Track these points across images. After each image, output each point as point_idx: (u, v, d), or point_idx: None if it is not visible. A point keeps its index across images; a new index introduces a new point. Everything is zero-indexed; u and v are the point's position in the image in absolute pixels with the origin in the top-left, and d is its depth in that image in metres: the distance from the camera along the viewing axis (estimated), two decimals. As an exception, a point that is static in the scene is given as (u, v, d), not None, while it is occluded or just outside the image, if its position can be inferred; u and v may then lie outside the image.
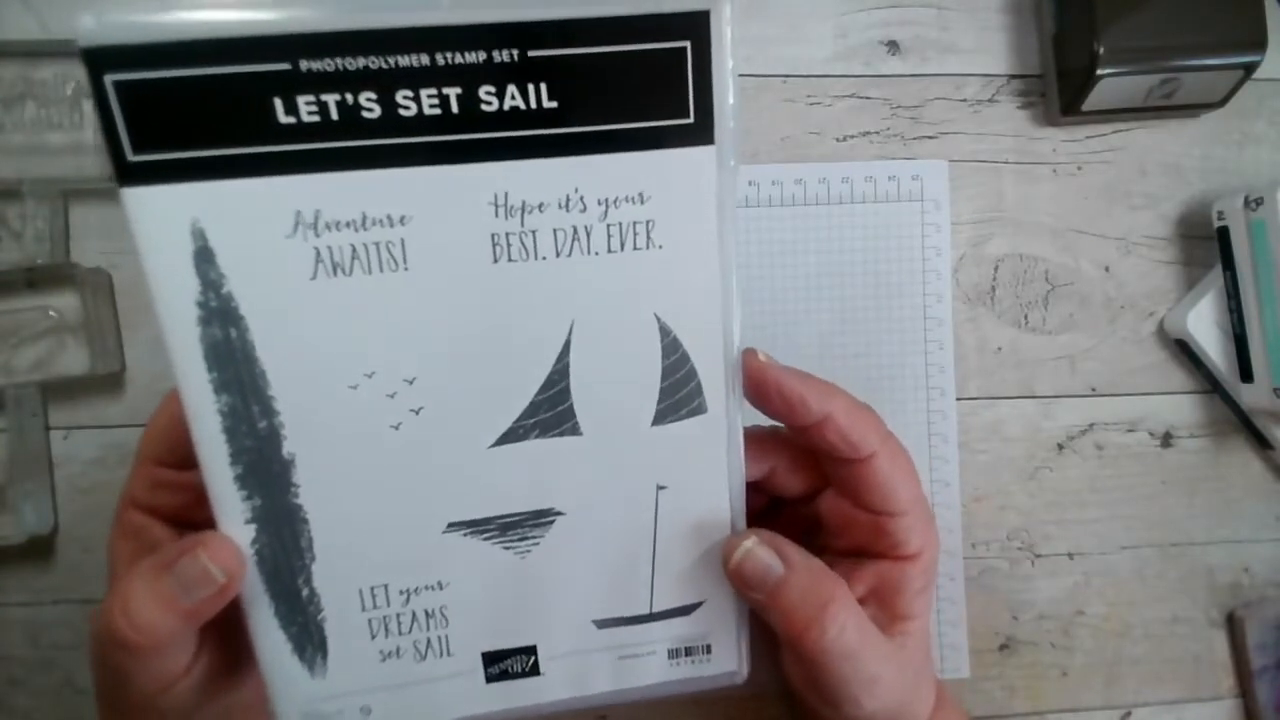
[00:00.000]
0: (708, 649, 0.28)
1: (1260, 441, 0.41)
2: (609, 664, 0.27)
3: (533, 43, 0.21)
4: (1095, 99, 0.38)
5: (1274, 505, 0.42)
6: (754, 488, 0.28)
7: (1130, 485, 0.41)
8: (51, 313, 0.36)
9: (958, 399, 0.39)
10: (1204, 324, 0.40)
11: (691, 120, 0.22)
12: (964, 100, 0.40)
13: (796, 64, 0.39)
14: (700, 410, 0.25)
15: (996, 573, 0.40)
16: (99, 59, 0.20)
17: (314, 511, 0.24)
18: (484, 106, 0.21)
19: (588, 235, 0.23)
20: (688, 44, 0.21)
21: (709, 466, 0.26)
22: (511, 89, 0.21)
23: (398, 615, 0.25)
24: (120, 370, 0.36)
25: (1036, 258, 0.40)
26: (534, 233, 0.23)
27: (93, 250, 0.36)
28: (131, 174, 0.21)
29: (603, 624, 0.27)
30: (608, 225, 0.23)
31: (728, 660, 0.28)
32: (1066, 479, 0.40)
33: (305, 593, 0.24)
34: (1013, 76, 0.40)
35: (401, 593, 0.25)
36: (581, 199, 0.23)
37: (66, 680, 0.36)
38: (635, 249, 0.23)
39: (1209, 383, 0.41)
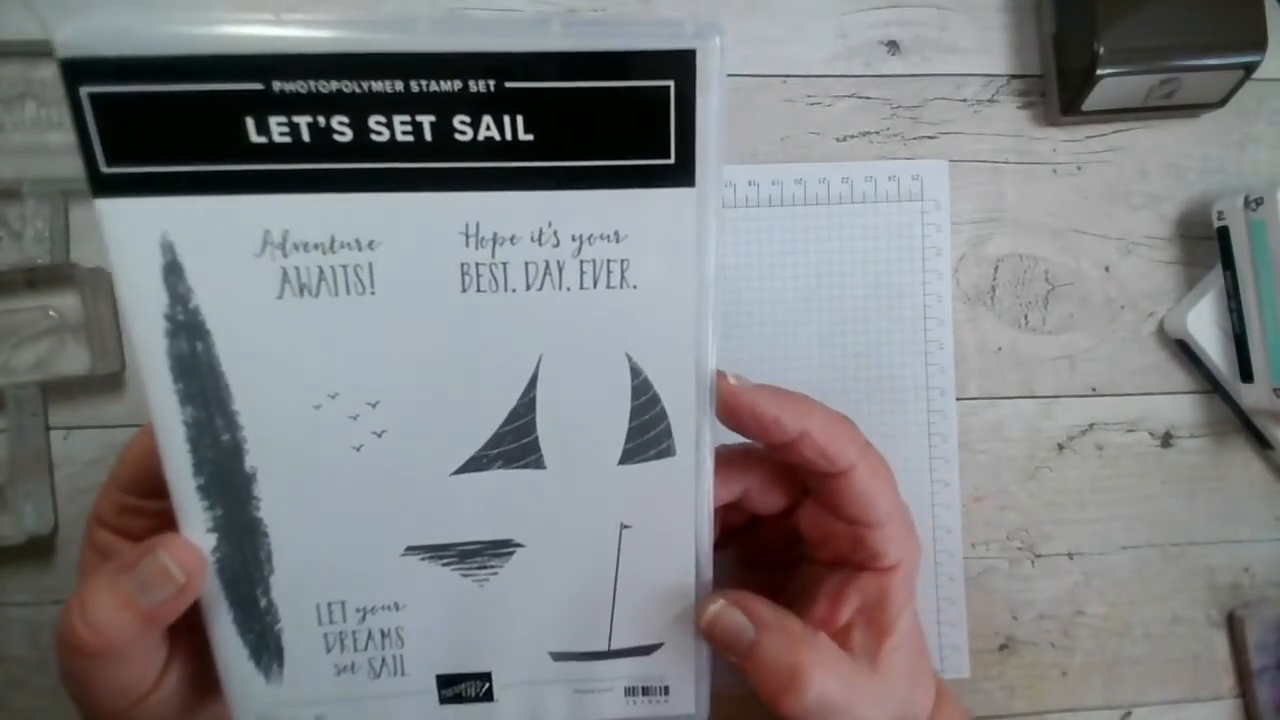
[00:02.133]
0: (665, 690, 0.27)
1: (1260, 441, 0.41)
2: (564, 696, 0.27)
3: (510, 74, 0.21)
4: (1095, 99, 0.38)
5: (1274, 505, 0.42)
6: (731, 505, 0.28)
7: (1130, 485, 0.41)
8: (51, 313, 0.36)
9: (958, 399, 0.39)
10: (1204, 324, 0.40)
11: (672, 161, 0.22)
12: (964, 100, 0.40)
13: (796, 64, 0.39)
14: (669, 453, 0.25)
15: (996, 573, 0.40)
16: (76, 70, 0.20)
17: (274, 525, 0.24)
18: (458, 136, 0.21)
19: (560, 270, 0.23)
20: (671, 83, 0.21)
21: (675, 509, 0.25)
22: (487, 119, 0.21)
23: (354, 632, 0.25)
24: (120, 370, 0.36)
25: (1036, 258, 0.40)
26: (504, 265, 0.22)
27: (93, 250, 0.36)
28: (105, 185, 0.21)
29: (559, 657, 0.27)
30: (580, 261, 0.23)
31: (685, 703, 0.28)
32: (1066, 479, 0.40)
33: (263, 603, 0.25)
34: (1013, 76, 0.40)
35: (358, 610, 0.25)
36: (555, 233, 0.22)
37: (66, 680, 0.36)
38: (608, 287, 0.23)
39: (1209, 383, 0.41)
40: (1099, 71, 0.37)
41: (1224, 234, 0.39)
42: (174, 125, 0.20)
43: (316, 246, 0.22)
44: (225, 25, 0.20)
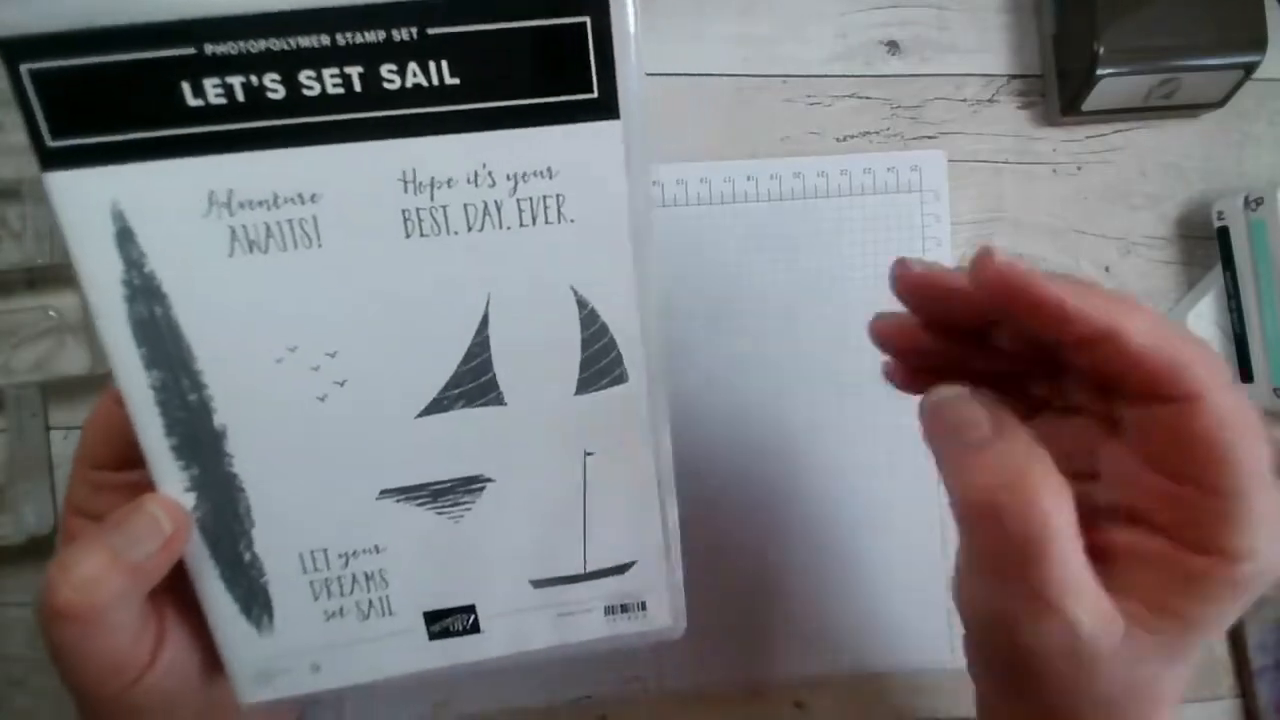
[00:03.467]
0: (643, 606, 0.28)
1: (1260, 441, 0.41)
2: (548, 621, 0.28)
3: (431, 20, 0.21)
4: (1095, 99, 0.38)
5: (1274, 505, 0.42)
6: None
7: (1130, 485, 0.41)
8: (51, 313, 0.36)
9: (958, 399, 0.39)
10: (1204, 324, 0.40)
11: (595, 95, 0.22)
12: (964, 100, 0.40)
13: (796, 64, 0.39)
14: (622, 379, 0.25)
15: (996, 573, 0.40)
16: (14, 49, 0.20)
17: (249, 480, 0.24)
18: (386, 84, 0.22)
19: (498, 210, 0.23)
20: (587, 19, 0.22)
21: (633, 433, 0.26)
22: (413, 66, 0.21)
23: (338, 577, 0.26)
24: (120, 370, 0.36)
25: (1036, 258, 0.40)
26: (444, 208, 0.23)
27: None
28: (52, 159, 0.21)
29: (539, 583, 0.27)
30: (518, 200, 0.23)
31: (662, 617, 0.29)
32: (1066, 479, 0.40)
33: (247, 557, 0.25)
34: (1013, 76, 0.40)
35: (340, 556, 0.26)
36: (490, 174, 0.23)
37: (66, 680, 0.36)
38: (547, 223, 0.24)
39: (1209, 383, 0.41)
40: (1099, 71, 0.37)
41: (1224, 234, 0.39)
42: (113, 94, 0.21)
43: (261, 203, 0.22)
44: None
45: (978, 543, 0.21)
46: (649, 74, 0.38)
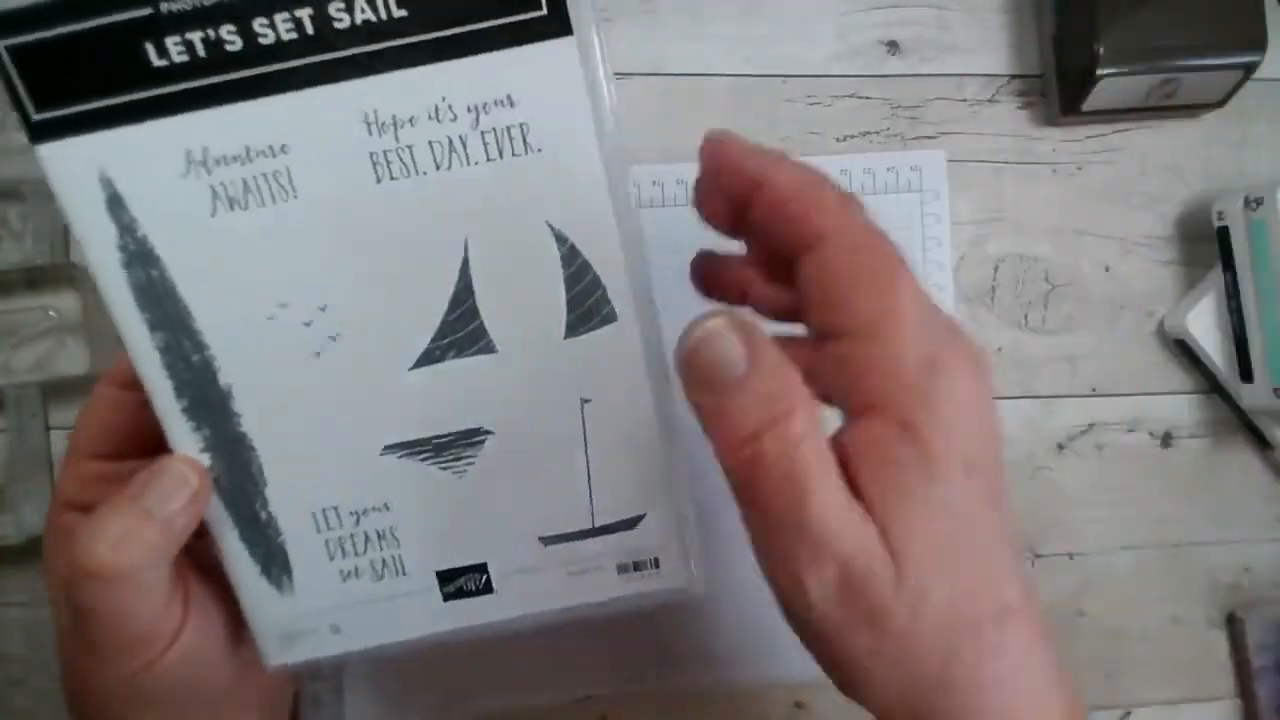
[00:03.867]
0: (655, 563, 0.27)
1: (1260, 441, 0.41)
2: (560, 580, 0.27)
3: None
4: (1095, 99, 0.38)
5: (1274, 505, 0.42)
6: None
7: (1130, 485, 0.41)
8: (51, 313, 0.36)
9: (958, 399, 0.39)
10: (1204, 324, 0.40)
11: (544, 11, 0.22)
12: (964, 100, 0.40)
13: (796, 64, 0.39)
14: (611, 318, 0.24)
15: (996, 573, 0.40)
16: None
17: (258, 439, 0.25)
18: (336, 24, 0.22)
19: (464, 145, 0.23)
20: None
21: (629, 375, 0.25)
22: (360, 3, 0.22)
23: (351, 536, 0.26)
24: (120, 370, 0.36)
25: (1036, 258, 0.40)
26: (410, 148, 0.23)
27: (93, 250, 0.36)
28: (39, 131, 0.22)
29: (548, 540, 0.27)
30: (481, 133, 0.23)
31: (676, 574, 0.27)
32: (1066, 479, 0.40)
33: (263, 516, 0.25)
34: (1013, 76, 0.40)
35: (351, 514, 0.26)
36: (450, 107, 0.22)
37: (66, 680, 0.36)
38: (514, 155, 0.23)
39: (1209, 383, 0.41)
40: (1099, 71, 0.37)
41: (1224, 234, 0.39)
42: (85, 62, 0.22)
43: (235, 159, 0.23)
44: None
45: (747, 494, 0.20)
46: (650, 74, 0.38)
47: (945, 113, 0.40)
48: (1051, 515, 0.40)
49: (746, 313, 0.23)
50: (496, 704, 0.37)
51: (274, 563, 0.26)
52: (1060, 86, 0.39)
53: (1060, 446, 0.40)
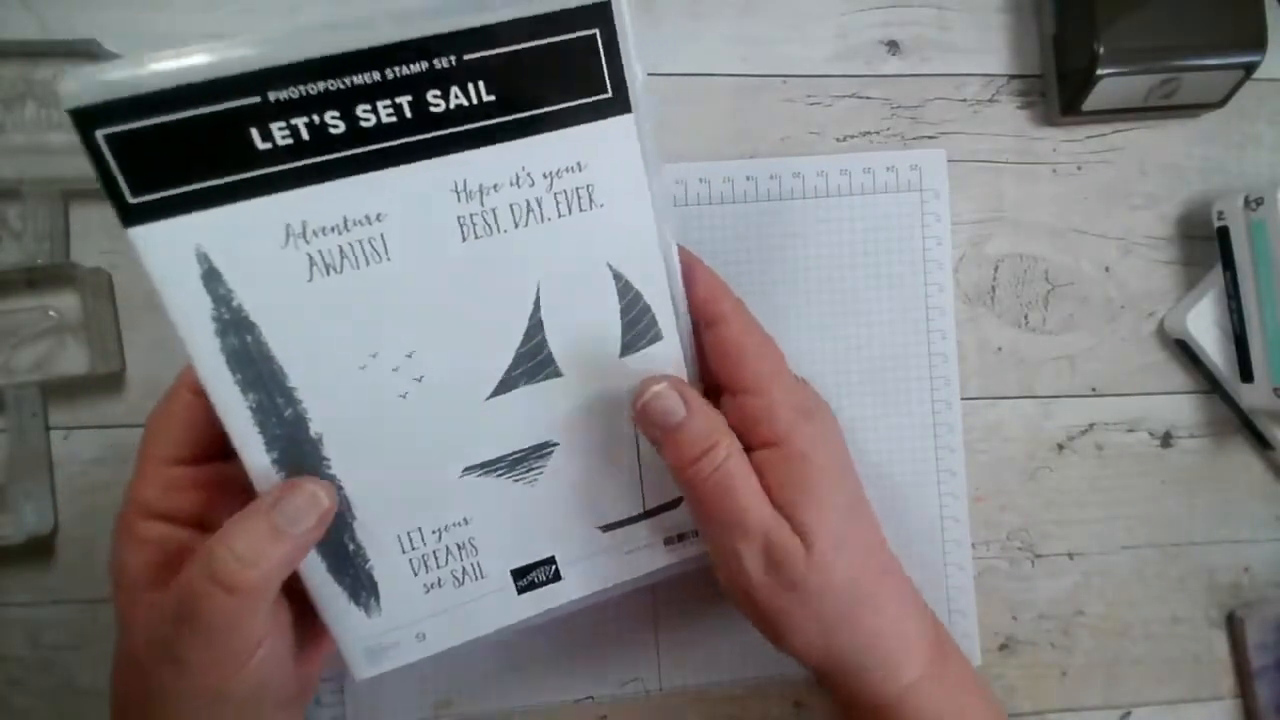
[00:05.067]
0: (694, 533, 0.32)
1: (1260, 441, 0.41)
2: (618, 560, 0.31)
3: (466, 48, 0.24)
4: (1095, 99, 0.38)
5: (1274, 505, 0.42)
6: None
7: (1130, 485, 0.41)
8: (51, 313, 0.36)
9: (961, 399, 0.39)
10: (1204, 324, 0.40)
11: (610, 95, 0.26)
12: (964, 100, 0.40)
13: (796, 64, 0.39)
14: (658, 337, 0.29)
15: (996, 573, 0.40)
16: (87, 118, 0.22)
17: (346, 478, 0.27)
18: (433, 108, 0.24)
19: (539, 205, 0.26)
20: (596, 31, 0.25)
21: None
22: (455, 90, 0.24)
23: (434, 552, 0.29)
24: (120, 370, 0.36)
25: (1036, 258, 0.40)
26: (494, 210, 0.26)
27: (93, 250, 0.36)
28: (134, 215, 0.23)
29: (607, 528, 0.31)
30: (555, 194, 0.26)
31: None
32: (1066, 479, 0.40)
33: (351, 547, 0.28)
34: (1013, 76, 0.40)
35: (434, 532, 0.29)
36: (529, 175, 0.26)
37: (66, 680, 0.36)
38: (581, 210, 0.27)
39: (1209, 383, 0.41)
40: (1099, 71, 0.37)
41: (1224, 234, 0.39)
42: (187, 148, 0.23)
43: (333, 229, 0.24)
44: (212, 53, 0.22)
45: (695, 498, 0.28)
46: (650, 74, 0.38)
47: (945, 113, 0.40)
48: (1051, 515, 0.40)
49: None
50: (497, 704, 0.37)
51: (362, 588, 0.28)
52: (1060, 86, 0.39)
53: (1060, 446, 0.40)
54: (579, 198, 0.26)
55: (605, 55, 0.25)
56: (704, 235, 0.38)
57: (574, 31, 0.24)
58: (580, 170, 0.26)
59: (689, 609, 0.38)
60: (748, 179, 0.38)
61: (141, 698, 0.26)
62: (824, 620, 0.28)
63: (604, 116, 0.26)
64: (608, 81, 0.25)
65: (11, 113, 0.35)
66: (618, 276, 0.28)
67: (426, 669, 0.36)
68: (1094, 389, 0.41)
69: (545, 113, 0.25)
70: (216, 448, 0.26)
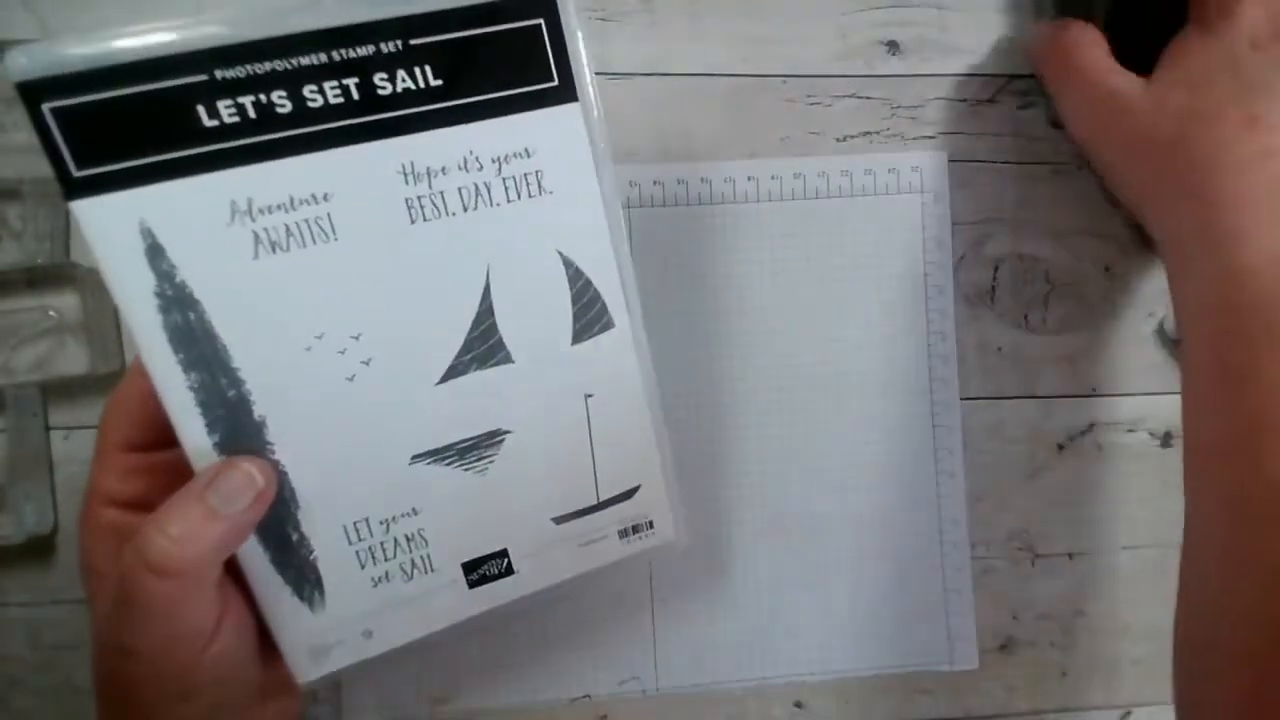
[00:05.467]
0: (650, 524, 0.31)
1: (1260, 441, 0.41)
2: (571, 552, 0.30)
3: (413, 33, 0.24)
4: (1095, 99, 0.38)
5: (1274, 505, 0.42)
6: None
7: (1130, 485, 0.41)
8: (51, 313, 0.36)
9: (960, 399, 0.39)
10: (1204, 324, 0.39)
11: (556, 83, 0.26)
12: (964, 100, 0.40)
13: (796, 64, 0.39)
14: (609, 326, 0.29)
15: (996, 573, 0.40)
16: (34, 91, 0.22)
17: (291, 464, 0.26)
18: (380, 91, 0.24)
19: (488, 190, 0.26)
20: (541, 20, 0.25)
21: (624, 370, 0.30)
22: (401, 73, 0.24)
23: (381, 544, 0.28)
24: (120, 370, 0.36)
25: (1036, 258, 0.40)
26: (442, 193, 0.26)
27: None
28: (78, 188, 0.23)
29: (560, 519, 0.30)
30: (504, 179, 0.26)
31: (667, 531, 0.32)
32: (1066, 479, 0.40)
33: (295, 537, 0.27)
34: (1013, 76, 0.40)
35: (381, 523, 0.28)
36: (477, 159, 0.26)
37: (66, 680, 0.36)
38: (530, 197, 0.27)
39: (1209, 383, 0.41)
40: (1099, 71, 0.37)
41: (1224, 234, 0.39)
42: (133, 123, 0.23)
43: (279, 207, 0.24)
44: (162, 31, 0.22)
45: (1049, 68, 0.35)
46: (650, 74, 0.38)
47: (945, 113, 0.40)
48: (1051, 515, 0.40)
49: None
50: (493, 702, 0.37)
51: (306, 581, 0.27)
52: (1060, 86, 0.39)
53: (1060, 446, 0.40)
54: (528, 184, 0.27)
55: (551, 44, 0.26)
56: (705, 235, 0.38)
57: (519, 20, 0.25)
58: (529, 156, 0.26)
59: (686, 608, 0.38)
60: (748, 179, 0.38)
61: (113, 691, 0.26)
62: (1153, 149, 0.32)
63: (551, 104, 0.26)
64: (554, 70, 0.26)
65: (11, 112, 0.35)
66: (568, 264, 0.28)
67: (423, 665, 0.36)
68: (1094, 389, 0.41)
69: (492, 99, 0.26)
70: (169, 434, 0.26)
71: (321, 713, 0.36)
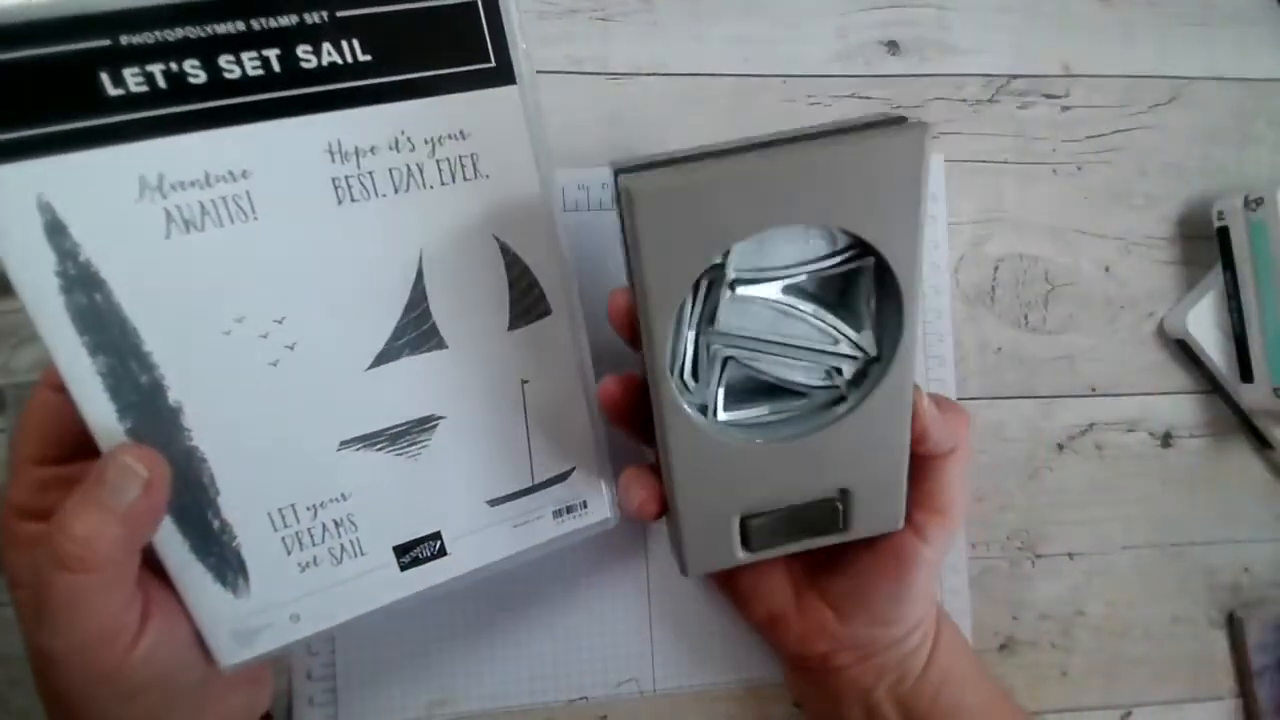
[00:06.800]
0: (584, 504, 0.31)
1: (1260, 441, 0.41)
2: (506, 533, 0.30)
3: (339, 4, 0.23)
4: (1095, 99, 0.38)
5: (1274, 505, 0.42)
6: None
7: (1130, 485, 0.41)
8: (51, 312, 0.36)
9: (958, 399, 0.39)
10: (1204, 324, 0.40)
11: (493, 64, 0.25)
12: (964, 100, 0.40)
13: (796, 64, 0.39)
14: (547, 312, 0.28)
15: (996, 573, 0.40)
16: None
17: (210, 450, 0.25)
18: (303, 64, 0.23)
19: (421, 172, 0.25)
20: (478, 0, 0.24)
21: (561, 356, 0.29)
22: (327, 46, 0.23)
23: (309, 530, 0.27)
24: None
25: (1036, 258, 0.40)
26: (371, 174, 0.25)
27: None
28: None
29: (495, 501, 0.30)
30: (437, 161, 0.25)
31: (600, 511, 0.32)
32: (1066, 479, 0.40)
33: (216, 524, 0.26)
34: (1013, 77, 0.40)
35: (309, 509, 0.27)
36: (409, 140, 0.25)
37: (66, 680, 0.36)
38: (466, 180, 0.26)
39: (1209, 383, 0.41)
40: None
41: (1224, 234, 0.39)
42: (28, 90, 0.21)
43: (193, 184, 0.23)
44: None
45: None
46: (650, 74, 0.38)
47: (945, 113, 0.40)
48: (1052, 515, 0.40)
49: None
50: (491, 704, 0.37)
51: (229, 568, 0.26)
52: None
53: (1060, 446, 0.40)
54: (463, 166, 0.26)
55: (487, 24, 0.25)
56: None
57: None
58: (464, 139, 0.25)
59: (683, 609, 0.38)
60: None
61: (52, 698, 0.26)
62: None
63: (487, 86, 0.25)
64: (490, 51, 0.25)
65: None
66: (505, 249, 0.27)
67: (420, 668, 0.36)
68: (1094, 389, 0.41)
69: (424, 77, 0.24)
70: (80, 447, 0.25)
71: (318, 715, 0.36)
